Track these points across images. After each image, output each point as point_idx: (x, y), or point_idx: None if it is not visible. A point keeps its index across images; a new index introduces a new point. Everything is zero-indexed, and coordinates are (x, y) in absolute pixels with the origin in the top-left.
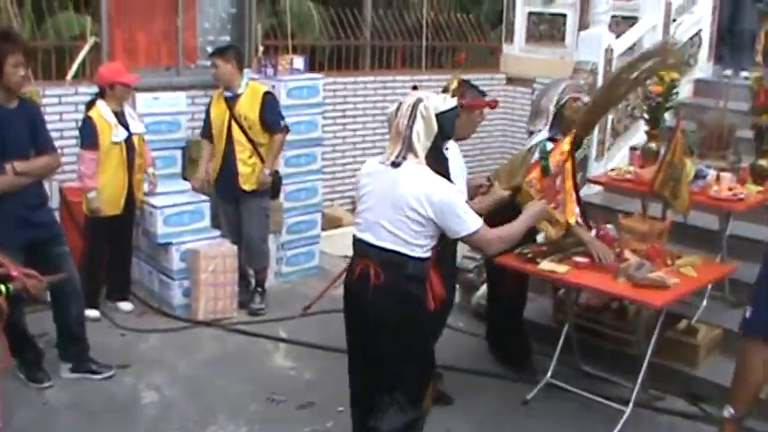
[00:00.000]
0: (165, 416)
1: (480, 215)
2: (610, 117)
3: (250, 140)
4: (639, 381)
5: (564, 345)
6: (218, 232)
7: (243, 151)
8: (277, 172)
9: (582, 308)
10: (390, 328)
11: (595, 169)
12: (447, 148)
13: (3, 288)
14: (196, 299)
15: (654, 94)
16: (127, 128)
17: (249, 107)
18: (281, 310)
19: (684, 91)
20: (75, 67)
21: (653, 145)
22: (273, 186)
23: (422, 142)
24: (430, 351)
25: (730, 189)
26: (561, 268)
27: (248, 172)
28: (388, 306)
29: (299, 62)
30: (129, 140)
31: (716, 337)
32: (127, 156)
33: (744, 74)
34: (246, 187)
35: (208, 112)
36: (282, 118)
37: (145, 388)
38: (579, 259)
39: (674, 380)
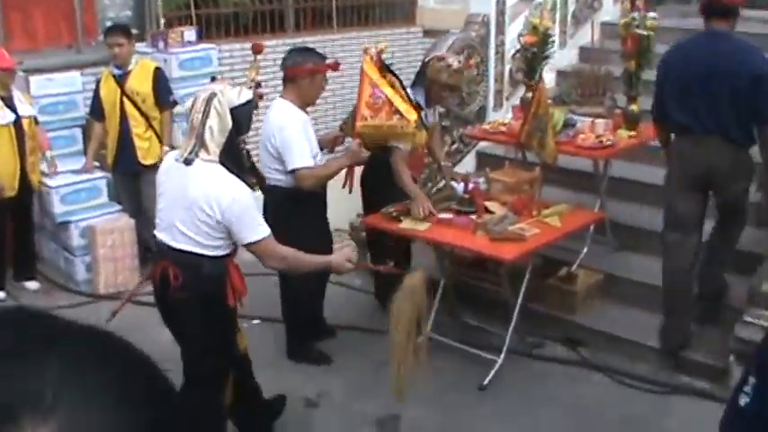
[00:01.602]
0: None
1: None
2: (508, 66)
3: (144, 115)
4: (510, 329)
5: (443, 298)
6: (117, 207)
7: (138, 126)
8: (172, 147)
9: (458, 260)
10: (191, 325)
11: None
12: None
13: None
14: (97, 273)
15: (528, 44)
16: (15, 111)
17: (140, 83)
18: None
19: (592, 35)
20: None
21: (530, 96)
22: None
23: (215, 138)
24: (230, 342)
25: (598, 137)
26: (421, 226)
27: (146, 146)
28: (187, 306)
29: (190, 34)
30: (18, 123)
31: (596, 282)
32: (17, 139)
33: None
34: (145, 161)
35: (97, 92)
36: (171, 93)
37: None
38: (442, 215)
39: (554, 326)
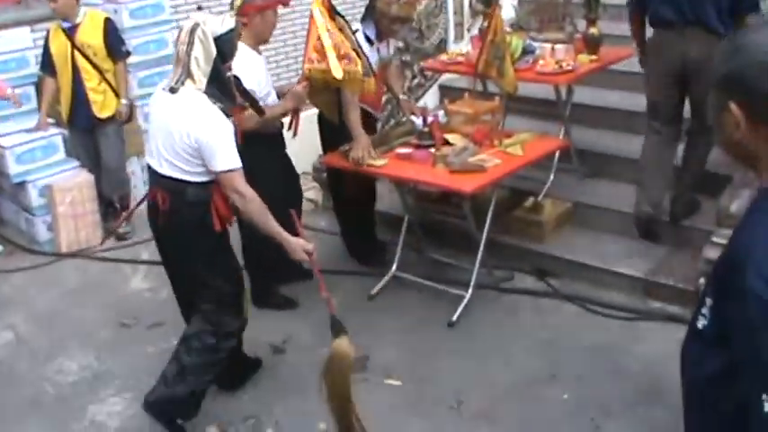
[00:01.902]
0: (16, 354)
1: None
2: None
3: (96, 68)
4: (477, 263)
5: (409, 234)
6: (76, 163)
7: (91, 80)
8: (131, 98)
9: (422, 195)
10: (182, 250)
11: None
12: (231, 73)
13: None
14: (57, 232)
15: None
16: None
17: (91, 35)
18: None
19: None
20: None
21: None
22: (131, 111)
23: (201, 68)
24: (229, 264)
25: (558, 62)
26: (380, 161)
27: (100, 100)
28: (176, 230)
29: None
30: None
31: (564, 211)
32: None
33: None
34: (101, 115)
35: (46, 47)
36: (124, 44)
37: (1, 329)
38: (400, 150)
39: (523, 258)
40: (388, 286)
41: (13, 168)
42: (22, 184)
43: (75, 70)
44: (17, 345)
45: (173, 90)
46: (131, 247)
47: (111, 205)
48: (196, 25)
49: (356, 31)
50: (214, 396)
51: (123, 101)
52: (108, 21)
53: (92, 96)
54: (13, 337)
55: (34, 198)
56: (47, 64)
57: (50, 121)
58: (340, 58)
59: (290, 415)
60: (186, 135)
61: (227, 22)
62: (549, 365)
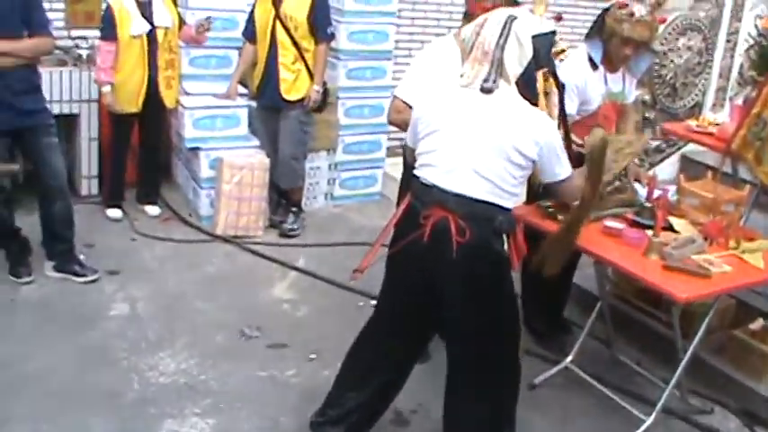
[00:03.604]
0: (121, 332)
1: None
2: (739, 60)
3: (295, 44)
4: (672, 382)
5: (599, 322)
6: (255, 142)
7: (286, 55)
8: (325, 83)
9: (625, 282)
10: (478, 296)
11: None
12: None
13: None
14: (217, 211)
15: (765, 29)
16: (150, 20)
17: (296, 7)
18: (318, 234)
19: None
20: None
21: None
22: (322, 100)
23: (514, 68)
24: (517, 312)
25: None
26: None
27: (291, 79)
28: (476, 269)
29: None
30: (151, 34)
31: None
32: (148, 51)
33: None
34: (288, 96)
35: (252, 11)
36: (330, 24)
37: (121, 299)
38: (610, 223)
39: (731, 391)
40: (556, 378)
41: (189, 132)
42: (195, 151)
43: (273, 42)
44: (128, 322)
45: (486, 90)
46: (289, 248)
47: (283, 196)
48: (511, 18)
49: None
50: None
51: (316, 87)
52: None
53: (283, 73)
54: (128, 311)
55: (204, 168)
56: (249, 30)
57: (242, 91)
58: None
59: None
60: (525, 145)
61: (547, 24)
62: None
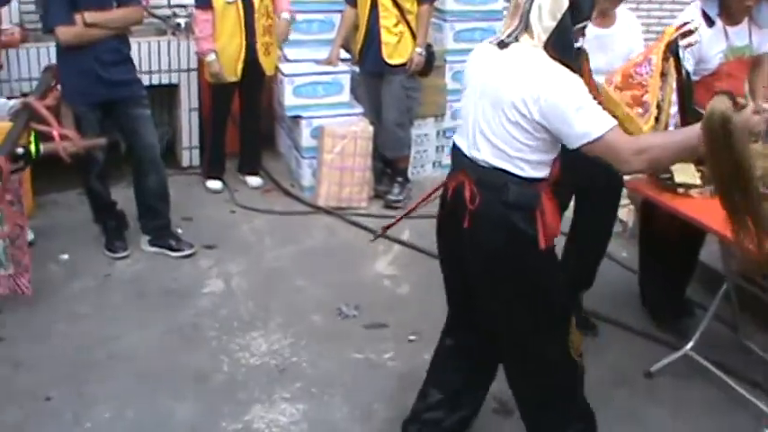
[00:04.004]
0: (214, 309)
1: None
2: None
3: (397, 5)
4: None
5: (725, 304)
6: (358, 109)
7: (388, 17)
8: (429, 46)
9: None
10: (495, 273)
11: None
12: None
13: (33, 148)
14: (319, 182)
15: None
16: None
17: None
18: (425, 206)
19: None
20: None
21: None
22: (426, 64)
23: (543, 21)
24: (556, 303)
25: None
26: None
27: (393, 42)
28: (487, 241)
29: None
30: (247, 0)
31: None
32: (245, 16)
33: None
34: (391, 60)
35: None
36: None
37: (216, 274)
38: None
39: None
40: (675, 366)
41: (289, 100)
42: (296, 119)
43: (374, 5)
44: (221, 298)
45: (502, 44)
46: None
47: (388, 165)
48: None
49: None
50: None
51: (418, 49)
52: None
53: (385, 37)
54: (223, 287)
55: (305, 137)
56: None
57: (344, 56)
58: (638, 103)
59: None
60: (523, 103)
61: None
62: None
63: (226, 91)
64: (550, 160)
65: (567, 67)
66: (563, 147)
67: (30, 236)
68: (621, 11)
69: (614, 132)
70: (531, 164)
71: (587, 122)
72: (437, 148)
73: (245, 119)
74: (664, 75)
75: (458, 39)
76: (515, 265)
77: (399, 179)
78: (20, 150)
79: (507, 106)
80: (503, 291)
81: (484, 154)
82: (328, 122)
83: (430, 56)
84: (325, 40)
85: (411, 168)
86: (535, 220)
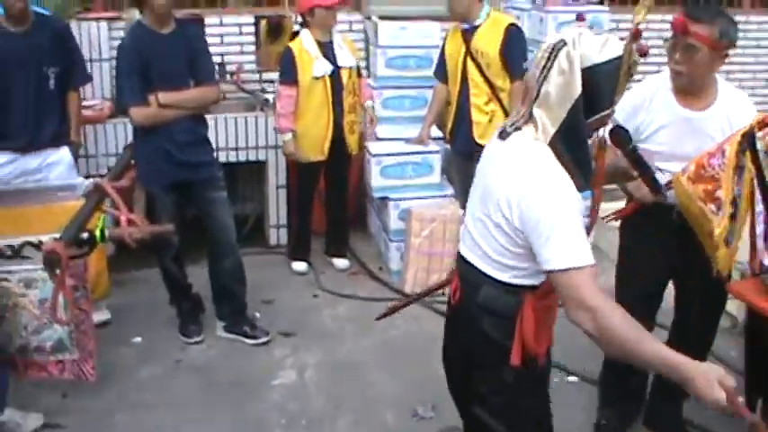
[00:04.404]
0: (283, 405)
1: None
2: None
3: (488, 82)
4: None
5: None
6: (449, 191)
7: (478, 95)
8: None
9: None
10: (468, 376)
11: None
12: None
13: (98, 233)
14: (407, 267)
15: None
16: (333, 61)
17: (488, 41)
18: None
19: None
20: None
21: None
22: None
23: (552, 108)
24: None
25: None
26: None
27: (484, 121)
28: (464, 338)
29: None
30: (335, 75)
31: None
32: (332, 93)
33: None
34: (482, 141)
35: (443, 48)
36: (526, 58)
37: (290, 364)
38: None
39: None
40: None
41: (377, 180)
42: (384, 201)
43: (465, 81)
44: (292, 391)
45: (503, 134)
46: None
47: None
48: (562, 43)
49: None
50: None
51: None
52: (512, 28)
53: (475, 116)
54: (295, 379)
55: (393, 219)
56: (440, 68)
57: (436, 134)
58: (711, 199)
59: None
60: (507, 204)
61: (611, 48)
62: None
63: (311, 170)
64: (537, 271)
65: (579, 167)
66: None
67: (105, 315)
68: (724, 88)
69: (582, 274)
70: (514, 270)
71: (558, 248)
72: None
73: (331, 199)
74: (740, 168)
75: None
76: (488, 375)
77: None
78: (84, 235)
79: (492, 205)
80: (476, 401)
81: (468, 250)
82: (417, 205)
83: None
84: (417, 117)
85: None
86: (511, 331)
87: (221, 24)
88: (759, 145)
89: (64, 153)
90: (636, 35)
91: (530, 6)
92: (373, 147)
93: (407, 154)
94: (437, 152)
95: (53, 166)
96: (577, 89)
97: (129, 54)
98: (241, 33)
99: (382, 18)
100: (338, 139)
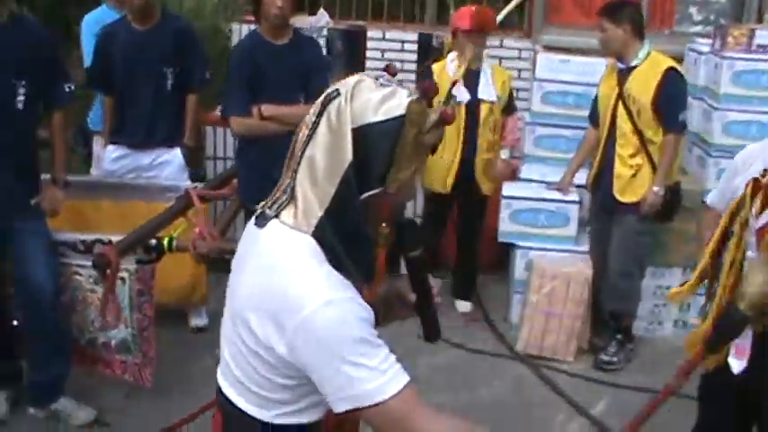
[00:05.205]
0: None
1: None
2: None
3: (637, 131)
4: None
5: None
6: (582, 248)
7: (624, 146)
8: (676, 184)
9: None
10: None
11: None
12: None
13: (166, 241)
14: (522, 323)
15: None
16: (473, 91)
17: (641, 85)
18: (644, 374)
19: None
20: (503, 12)
21: None
22: (667, 206)
23: (318, 182)
24: None
25: None
26: None
27: (627, 176)
28: None
29: (764, 35)
30: (472, 107)
31: None
32: (465, 125)
33: None
34: (622, 197)
35: (598, 89)
36: (683, 109)
37: None
38: None
39: None
40: None
41: (504, 224)
42: (510, 247)
43: (613, 127)
44: None
45: (259, 220)
46: (599, 385)
47: (611, 316)
48: (335, 92)
49: None
50: None
51: (656, 187)
52: (670, 72)
53: (618, 168)
54: None
55: (518, 269)
56: (593, 111)
57: (581, 182)
58: None
59: None
60: (260, 326)
61: (395, 103)
62: None
63: (439, 201)
64: (317, 402)
65: (356, 264)
66: None
67: (203, 321)
68: None
69: (400, 401)
70: (280, 404)
71: (357, 380)
72: (681, 305)
73: (462, 241)
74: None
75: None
76: None
77: (619, 336)
78: (152, 242)
79: (242, 323)
80: None
81: (224, 380)
82: (543, 257)
83: (674, 196)
84: (563, 159)
85: (645, 325)
86: None
87: (383, 39)
88: None
89: (176, 154)
90: (426, 89)
91: (708, 50)
92: (506, 187)
93: (542, 200)
94: (576, 203)
95: (164, 165)
96: (347, 154)
97: (239, 62)
98: (403, 50)
99: (547, 48)
100: (467, 177)
